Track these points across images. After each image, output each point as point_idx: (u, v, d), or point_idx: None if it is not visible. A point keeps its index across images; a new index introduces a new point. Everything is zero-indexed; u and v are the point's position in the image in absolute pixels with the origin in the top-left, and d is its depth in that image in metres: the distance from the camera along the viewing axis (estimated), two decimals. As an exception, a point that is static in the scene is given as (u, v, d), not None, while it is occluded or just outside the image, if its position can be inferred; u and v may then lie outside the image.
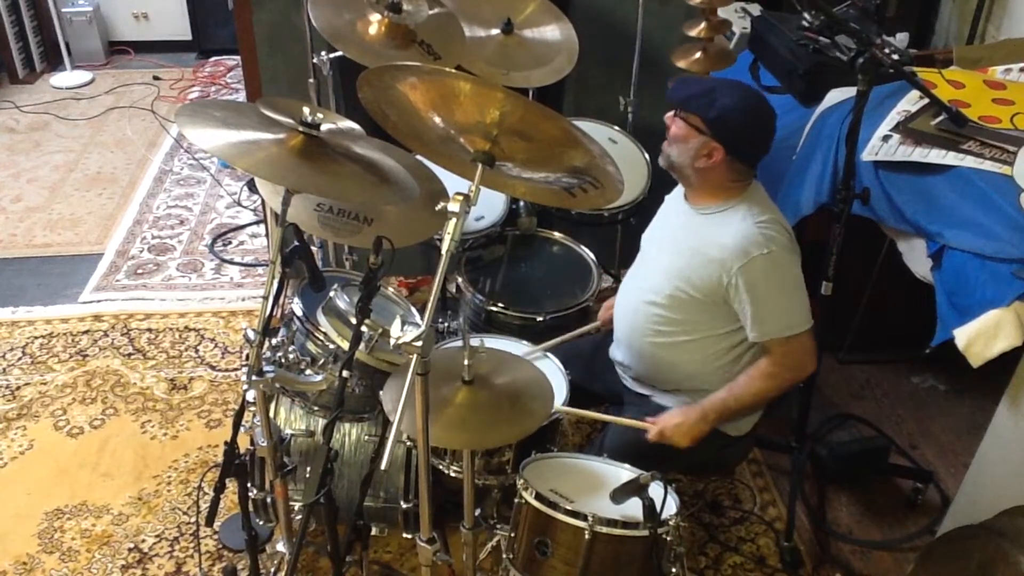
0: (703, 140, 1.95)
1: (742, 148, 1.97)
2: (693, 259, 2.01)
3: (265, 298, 1.78)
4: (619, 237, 3.05)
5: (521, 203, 2.71)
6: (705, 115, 1.94)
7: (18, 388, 2.94)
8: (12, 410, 2.84)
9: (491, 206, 2.67)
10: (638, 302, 2.14)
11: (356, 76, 1.61)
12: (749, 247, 1.93)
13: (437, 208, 1.54)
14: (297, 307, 2.02)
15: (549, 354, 2.21)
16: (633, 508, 1.70)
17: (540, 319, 2.40)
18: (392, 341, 1.50)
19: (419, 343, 1.45)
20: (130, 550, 2.38)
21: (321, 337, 1.97)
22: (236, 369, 3.02)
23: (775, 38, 2.72)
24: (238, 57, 3.75)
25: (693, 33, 2.67)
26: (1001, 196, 2.03)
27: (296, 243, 1.79)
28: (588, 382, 2.26)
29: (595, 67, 3.02)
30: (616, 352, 2.27)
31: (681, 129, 1.99)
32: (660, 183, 2.40)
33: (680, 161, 2.01)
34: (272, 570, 2.20)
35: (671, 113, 2.02)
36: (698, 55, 2.70)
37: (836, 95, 2.51)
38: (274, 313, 1.82)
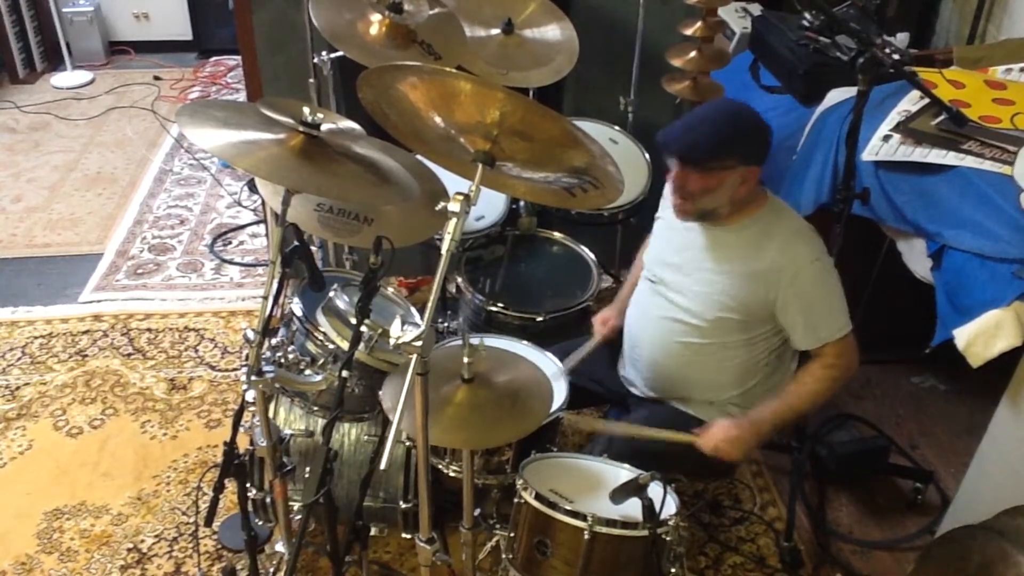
0: (740, 173, 1.91)
1: (761, 152, 1.96)
2: (736, 279, 1.98)
3: (265, 298, 1.78)
4: (619, 237, 3.05)
5: (521, 203, 2.72)
6: (735, 153, 1.90)
7: (18, 388, 2.94)
8: (12, 410, 2.84)
9: (491, 206, 2.67)
10: (665, 328, 2.09)
11: (356, 76, 1.61)
12: (798, 259, 1.94)
13: (437, 208, 1.54)
14: (297, 307, 2.02)
15: (548, 354, 2.20)
16: (633, 508, 1.70)
17: (540, 319, 2.40)
18: (392, 341, 1.50)
19: (419, 343, 1.45)
20: (129, 550, 2.38)
21: (321, 337, 1.97)
22: (236, 369, 3.02)
23: (775, 38, 2.72)
24: (238, 57, 3.75)
25: (689, 32, 2.67)
26: (1001, 196, 2.03)
27: (296, 243, 1.79)
28: (587, 383, 2.26)
29: (595, 67, 3.02)
30: (630, 370, 2.24)
31: (703, 179, 1.91)
32: (660, 183, 2.39)
33: (718, 205, 1.96)
34: (271, 570, 2.20)
35: (678, 170, 1.94)
36: (693, 54, 2.70)
37: (836, 95, 2.51)
38: (274, 313, 1.82)
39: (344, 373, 1.71)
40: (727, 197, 1.95)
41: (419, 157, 1.95)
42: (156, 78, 5.22)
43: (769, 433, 2.02)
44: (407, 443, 2.13)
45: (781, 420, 2.03)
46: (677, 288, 2.08)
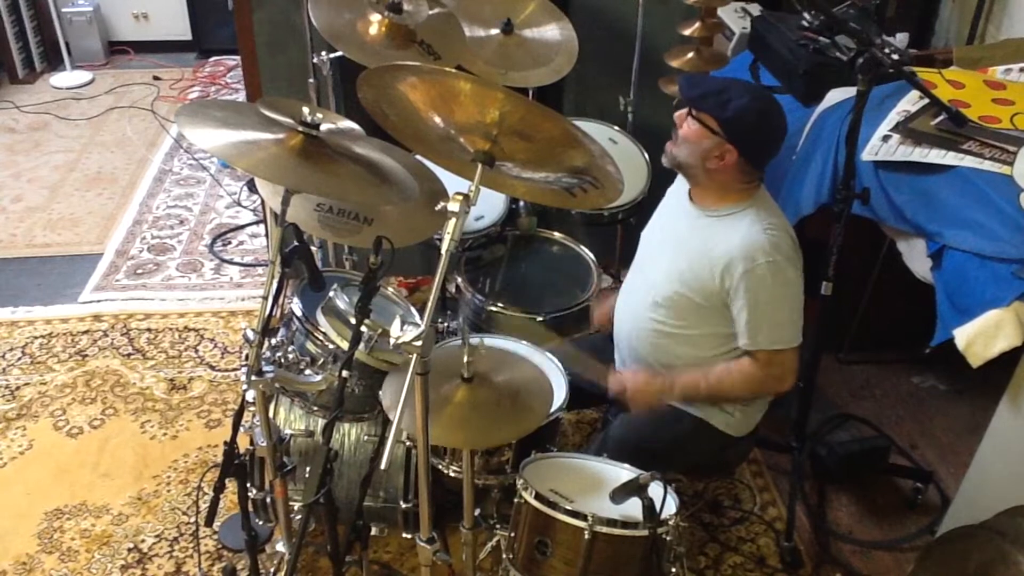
0: (716, 141, 1.93)
1: (755, 150, 1.96)
2: (695, 262, 2.00)
3: (265, 298, 1.78)
4: (619, 237, 3.05)
5: (521, 203, 2.71)
6: (720, 116, 1.91)
7: (18, 388, 2.94)
8: (12, 410, 2.84)
9: (491, 206, 2.67)
10: (638, 303, 2.14)
11: (356, 76, 1.61)
12: (755, 253, 1.92)
13: (437, 208, 1.54)
14: (297, 307, 2.02)
15: (548, 354, 2.20)
16: (633, 508, 1.70)
17: (540, 319, 2.40)
18: (392, 341, 1.50)
19: (419, 343, 1.45)
20: (130, 550, 2.38)
21: (321, 337, 1.97)
22: (236, 369, 3.02)
23: (775, 38, 2.72)
24: (238, 57, 3.74)
25: (687, 33, 2.67)
26: (1001, 196, 2.03)
27: (296, 243, 1.79)
28: (586, 383, 2.26)
29: (595, 67, 3.02)
30: (616, 354, 2.27)
31: (694, 130, 1.95)
32: (660, 183, 2.39)
33: (690, 162, 1.99)
34: (272, 570, 2.20)
35: (683, 111, 1.98)
36: (690, 55, 2.70)
37: (836, 95, 2.51)
38: (274, 313, 1.82)
39: (344, 373, 1.71)
40: (699, 158, 1.96)
41: (419, 157, 1.95)
42: (156, 78, 5.22)
43: (679, 399, 2.04)
44: (407, 443, 2.13)
45: (693, 395, 2.05)
46: (652, 265, 2.13)
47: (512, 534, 1.85)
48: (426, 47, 2.34)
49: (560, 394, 2.06)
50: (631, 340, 2.17)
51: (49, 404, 2.87)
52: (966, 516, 2.11)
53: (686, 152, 1.98)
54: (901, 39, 2.89)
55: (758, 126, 1.94)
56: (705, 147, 1.94)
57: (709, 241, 1.99)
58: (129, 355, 3.09)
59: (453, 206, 1.49)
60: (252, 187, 3.98)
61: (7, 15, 4.93)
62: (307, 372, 1.98)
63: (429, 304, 1.47)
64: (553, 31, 2.68)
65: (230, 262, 3.65)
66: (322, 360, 1.97)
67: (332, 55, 2.56)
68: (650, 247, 2.20)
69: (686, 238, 2.06)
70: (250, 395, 1.88)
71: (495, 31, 2.62)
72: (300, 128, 1.69)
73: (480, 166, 1.56)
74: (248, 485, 2.05)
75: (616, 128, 2.95)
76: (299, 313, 2.01)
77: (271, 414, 2.04)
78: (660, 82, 2.83)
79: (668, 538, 1.75)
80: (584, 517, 1.71)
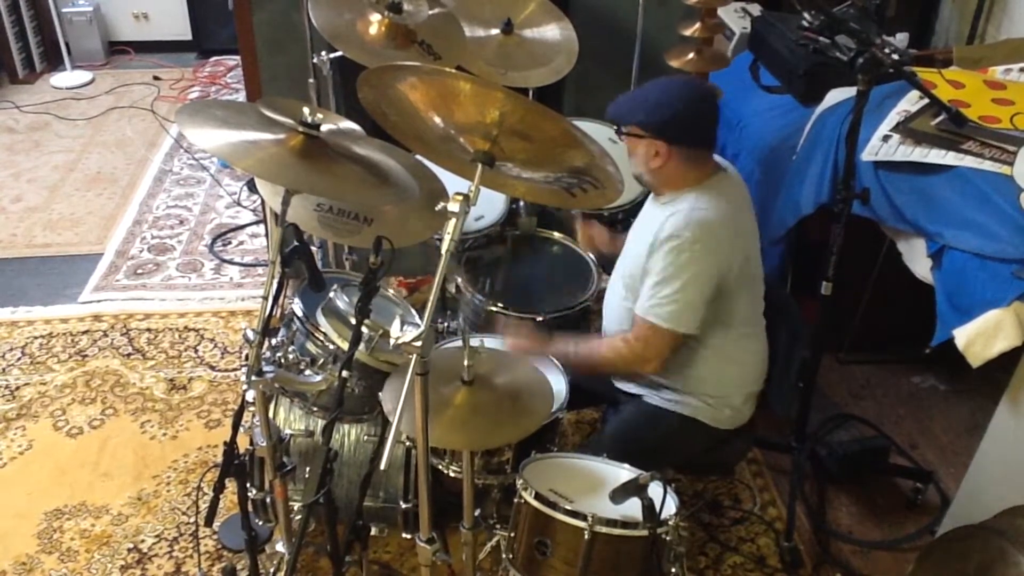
0: (646, 143, 1.99)
1: (681, 135, 1.98)
2: (640, 242, 2.05)
3: (265, 298, 1.78)
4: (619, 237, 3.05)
5: (521, 203, 2.71)
6: (637, 120, 1.99)
7: (18, 388, 2.94)
8: (12, 410, 2.84)
9: (491, 206, 2.67)
10: (615, 289, 2.20)
11: (356, 76, 1.61)
12: (671, 228, 1.95)
13: (437, 208, 1.54)
14: (297, 307, 2.02)
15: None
16: (633, 508, 1.70)
17: (540, 319, 2.39)
18: (392, 341, 1.50)
19: (419, 343, 1.45)
20: (129, 550, 2.38)
21: (321, 337, 1.97)
22: (236, 369, 3.02)
23: (775, 38, 2.72)
24: (238, 57, 3.75)
25: (688, 33, 2.67)
26: (1001, 196, 2.03)
27: (296, 243, 1.79)
28: (589, 382, 2.26)
29: (595, 67, 3.02)
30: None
31: (630, 143, 2.03)
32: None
33: (640, 171, 2.05)
34: (271, 570, 2.20)
35: (619, 136, 2.06)
36: (692, 56, 2.70)
37: (836, 95, 2.51)
38: (274, 313, 1.82)
39: (344, 373, 1.71)
40: (644, 166, 2.02)
41: (419, 157, 1.95)
42: (156, 78, 5.22)
43: (551, 355, 2.13)
44: (407, 443, 2.13)
45: (565, 356, 2.12)
46: (624, 253, 2.20)
47: (512, 534, 1.85)
48: (426, 47, 2.34)
49: (560, 395, 2.06)
50: (611, 325, 2.21)
51: (49, 404, 2.87)
52: (966, 516, 2.11)
53: (635, 165, 2.05)
54: (901, 39, 2.89)
55: (675, 113, 1.98)
56: (641, 153, 2.01)
57: (652, 223, 2.03)
58: (129, 355, 3.09)
59: (453, 206, 1.49)
60: (252, 187, 3.98)
61: (7, 15, 4.93)
62: (307, 372, 1.98)
63: (429, 304, 1.47)
64: (553, 31, 2.68)
65: (230, 262, 3.65)
66: (322, 360, 1.97)
67: (332, 55, 2.56)
68: (628, 240, 2.26)
69: (643, 224, 2.13)
70: (250, 395, 1.88)
71: (495, 31, 2.62)
72: (300, 128, 1.69)
73: (480, 166, 1.56)
74: (248, 485, 2.05)
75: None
76: (299, 313, 2.01)
77: (271, 414, 2.04)
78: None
79: (668, 538, 1.75)
80: (584, 517, 1.70)
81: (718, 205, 1.99)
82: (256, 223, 3.87)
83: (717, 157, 2.12)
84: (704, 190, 2.01)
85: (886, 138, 2.28)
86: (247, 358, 1.81)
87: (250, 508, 2.08)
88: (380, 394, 1.88)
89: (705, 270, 1.95)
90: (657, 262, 1.96)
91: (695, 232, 1.94)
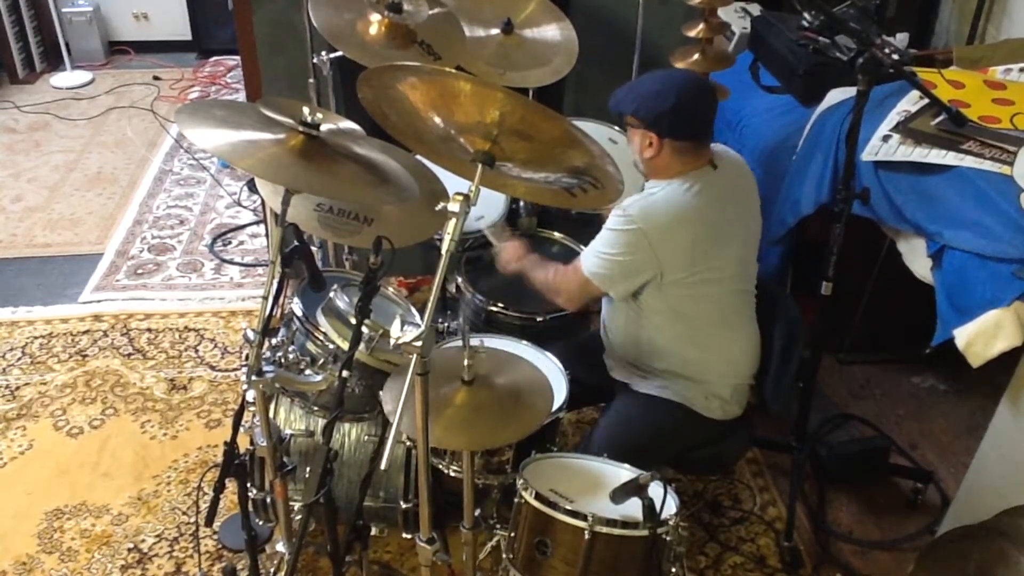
0: (641, 133, 2.04)
1: (675, 129, 2.01)
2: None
3: (265, 298, 1.78)
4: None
5: (521, 203, 2.71)
6: (633, 111, 2.04)
7: (18, 388, 2.94)
8: (12, 410, 2.84)
9: (491, 206, 2.67)
10: None
11: (356, 76, 1.61)
12: (629, 203, 2.04)
13: (437, 208, 1.54)
14: (297, 307, 2.02)
15: (548, 354, 2.20)
16: (633, 508, 1.70)
17: (540, 319, 2.39)
18: (392, 341, 1.50)
19: (419, 343, 1.45)
20: (130, 550, 2.38)
21: (321, 337, 1.97)
22: (236, 369, 3.02)
23: (775, 38, 2.73)
24: (238, 57, 3.74)
25: (692, 34, 2.67)
26: (1001, 196, 2.03)
27: (296, 243, 1.79)
28: (589, 377, 2.26)
29: (595, 67, 3.02)
30: (603, 336, 2.32)
31: (629, 131, 2.10)
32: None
33: (638, 160, 2.11)
34: (272, 570, 2.20)
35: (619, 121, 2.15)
36: (696, 56, 2.70)
37: (836, 95, 2.51)
38: (274, 313, 1.82)
39: (344, 373, 1.71)
40: (639, 154, 2.09)
41: (419, 157, 1.95)
42: (156, 78, 5.22)
43: (518, 264, 2.32)
44: (407, 443, 2.13)
45: (523, 267, 2.30)
46: None
47: (512, 534, 1.85)
48: (426, 47, 2.34)
49: (560, 394, 2.06)
50: (606, 316, 2.27)
51: (49, 404, 2.87)
52: (966, 516, 2.11)
53: (633, 154, 2.11)
54: (901, 39, 2.89)
55: (669, 105, 2.00)
56: (637, 143, 2.07)
57: None
58: (129, 355, 3.09)
59: (453, 206, 1.49)
60: (252, 187, 3.98)
61: (7, 15, 4.93)
62: (307, 372, 1.98)
63: (429, 304, 1.48)
64: (553, 31, 2.68)
65: (230, 262, 3.65)
66: (322, 360, 1.97)
67: (332, 55, 2.56)
68: None
69: None
70: (250, 395, 1.88)
71: (495, 31, 2.62)
72: (300, 128, 1.69)
73: (480, 166, 1.56)
74: (248, 485, 2.05)
75: (616, 128, 2.94)
76: (299, 313, 2.01)
77: (271, 414, 2.03)
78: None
79: (668, 538, 1.75)
80: (584, 517, 1.71)
81: (683, 200, 2.03)
82: (256, 223, 3.87)
83: (722, 147, 2.14)
84: (684, 180, 2.04)
85: (886, 138, 2.28)
86: (247, 358, 1.81)
87: (250, 508, 2.08)
88: (380, 394, 1.88)
89: (627, 242, 2.03)
90: (608, 221, 2.07)
91: (644, 211, 2.02)
